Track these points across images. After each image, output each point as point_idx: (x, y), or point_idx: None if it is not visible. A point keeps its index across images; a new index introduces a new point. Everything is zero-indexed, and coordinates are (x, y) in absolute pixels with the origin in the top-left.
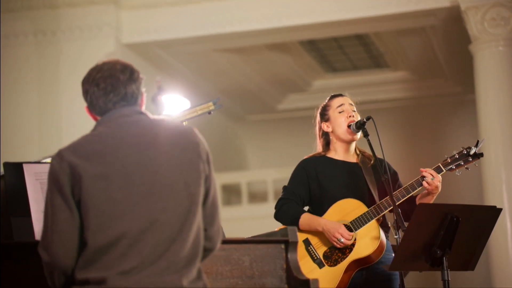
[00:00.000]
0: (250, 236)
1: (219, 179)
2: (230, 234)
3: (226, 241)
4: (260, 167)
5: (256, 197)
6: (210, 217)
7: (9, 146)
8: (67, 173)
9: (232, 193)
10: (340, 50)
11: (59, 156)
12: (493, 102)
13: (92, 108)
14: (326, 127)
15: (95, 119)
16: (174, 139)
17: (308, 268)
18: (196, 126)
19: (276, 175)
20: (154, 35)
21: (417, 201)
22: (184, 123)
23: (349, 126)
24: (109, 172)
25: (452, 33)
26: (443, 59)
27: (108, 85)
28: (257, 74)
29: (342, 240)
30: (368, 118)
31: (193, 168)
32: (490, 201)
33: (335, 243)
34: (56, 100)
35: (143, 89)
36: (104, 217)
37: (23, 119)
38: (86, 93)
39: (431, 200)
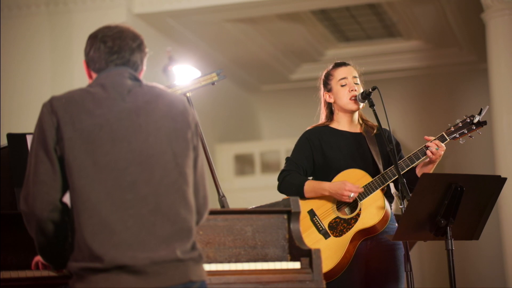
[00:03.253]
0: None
1: (233, 149)
2: (243, 204)
3: (228, 212)
4: (273, 137)
5: (269, 167)
6: (197, 188)
7: (22, 117)
8: (55, 127)
9: (245, 163)
10: (352, 20)
11: (50, 106)
12: (505, 70)
13: (92, 63)
14: (328, 97)
15: (90, 76)
16: (164, 108)
17: (313, 239)
18: (209, 96)
19: (289, 145)
20: (165, 5)
21: (418, 170)
22: (187, 94)
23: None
24: (98, 135)
25: (465, 1)
26: (456, 27)
27: (116, 46)
28: (270, 44)
29: (352, 195)
30: (374, 88)
31: (182, 138)
32: (502, 170)
33: (346, 200)
34: (68, 70)
35: (145, 64)
36: (88, 179)
37: (35, 90)
38: (90, 47)
39: (431, 168)
